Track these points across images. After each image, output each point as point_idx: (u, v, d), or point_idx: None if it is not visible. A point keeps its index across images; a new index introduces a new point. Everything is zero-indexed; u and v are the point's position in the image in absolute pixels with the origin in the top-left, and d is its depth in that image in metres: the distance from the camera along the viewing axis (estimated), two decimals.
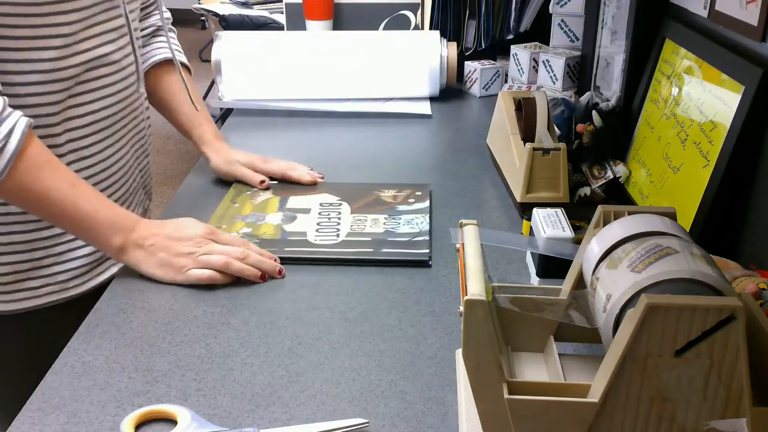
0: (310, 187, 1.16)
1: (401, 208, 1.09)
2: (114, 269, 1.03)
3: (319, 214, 1.07)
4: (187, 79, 1.17)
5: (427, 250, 0.97)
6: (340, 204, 1.10)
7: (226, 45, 1.51)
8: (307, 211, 1.08)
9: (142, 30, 1.15)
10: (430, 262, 0.95)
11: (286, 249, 0.97)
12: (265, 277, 0.91)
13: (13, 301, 0.96)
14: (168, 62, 1.17)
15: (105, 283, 0.99)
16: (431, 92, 1.56)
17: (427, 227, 1.03)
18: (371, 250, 0.97)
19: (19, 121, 0.83)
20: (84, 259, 1.00)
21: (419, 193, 1.13)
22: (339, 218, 1.05)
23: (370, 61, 1.53)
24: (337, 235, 1.01)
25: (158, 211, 3.06)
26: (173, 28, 1.23)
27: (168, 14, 1.21)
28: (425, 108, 1.53)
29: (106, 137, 1.00)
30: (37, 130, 0.90)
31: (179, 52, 1.20)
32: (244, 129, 1.44)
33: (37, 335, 0.98)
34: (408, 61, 1.53)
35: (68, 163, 0.95)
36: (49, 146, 0.90)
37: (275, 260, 0.94)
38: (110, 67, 0.99)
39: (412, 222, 1.04)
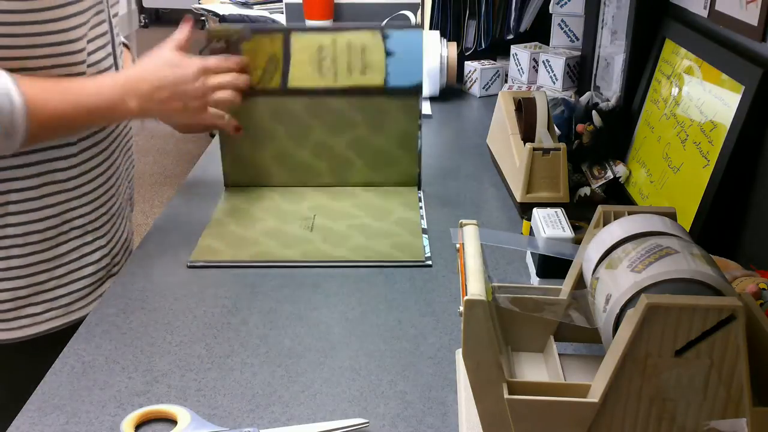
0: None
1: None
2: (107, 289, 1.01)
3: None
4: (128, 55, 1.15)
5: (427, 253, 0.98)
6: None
7: None
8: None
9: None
10: (430, 262, 0.96)
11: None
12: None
13: (13, 329, 0.93)
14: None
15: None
16: (431, 92, 1.56)
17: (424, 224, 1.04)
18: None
19: (4, 80, 0.81)
20: (87, 279, 0.98)
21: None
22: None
23: None
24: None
25: (158, 210, 3.06)
26: None
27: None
28: (425, 108, 1.53)
29: (103, 150, 0.99)
30: None
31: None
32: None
33: (40, 363, 0.93)
34: None
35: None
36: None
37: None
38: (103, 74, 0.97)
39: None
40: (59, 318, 0.96)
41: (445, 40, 1.55)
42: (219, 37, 1.05)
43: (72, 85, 0.88)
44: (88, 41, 0.93)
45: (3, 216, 0.89)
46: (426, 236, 1.01)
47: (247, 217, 1.07)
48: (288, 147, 1.12)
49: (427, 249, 0.98)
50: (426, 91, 1.56)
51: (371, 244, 0.99)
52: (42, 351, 0.92)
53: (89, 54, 0.93)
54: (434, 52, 1.53)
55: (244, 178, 1.15)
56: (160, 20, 6.58)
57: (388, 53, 1.08)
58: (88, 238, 0.98)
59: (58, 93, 0.85)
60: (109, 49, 0.98)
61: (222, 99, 0.97)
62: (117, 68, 1.01)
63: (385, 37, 1.08)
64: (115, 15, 1.02)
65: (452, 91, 1.62)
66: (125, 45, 1.15)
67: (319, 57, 1.08)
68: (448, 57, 1.54)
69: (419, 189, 1.15)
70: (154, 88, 0.91)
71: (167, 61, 0.93)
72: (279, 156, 1.13)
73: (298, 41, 1.08)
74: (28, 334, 0.94)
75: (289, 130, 1.11)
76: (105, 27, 0.97)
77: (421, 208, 1.09)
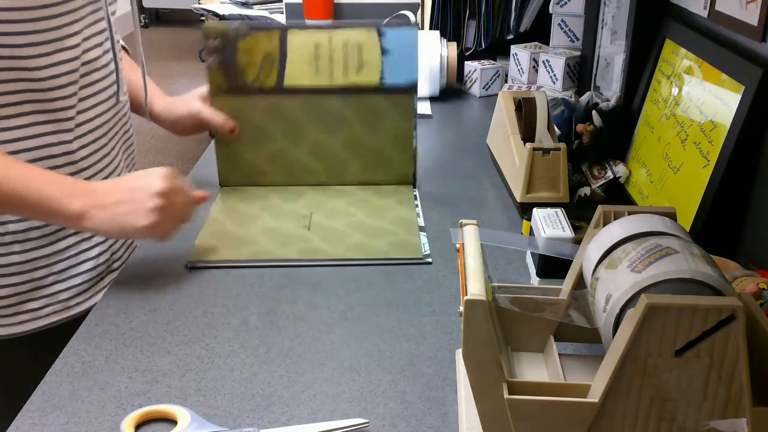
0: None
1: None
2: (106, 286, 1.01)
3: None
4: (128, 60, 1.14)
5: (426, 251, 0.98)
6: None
7: None
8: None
9: None
10: (430, 260, 0.96)
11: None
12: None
13: (13, 324, 0.94)
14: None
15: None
16: (431, 92, 1.56)
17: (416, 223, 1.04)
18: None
19: None
20: (86, 275, 0.98)
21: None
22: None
23: None
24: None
25: None
26: None
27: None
28: (425, 108, 1.53)
29: (101, 147, 0.99)
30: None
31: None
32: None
33: (39, 358, 0.89)
34: None
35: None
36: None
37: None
38: (100, 71, 0.97)
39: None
40: (58, 313, 0.96)
41: (445, 40, 1.55)
42: (215, 35, 1.05)
43: (27, 169, 0.84)
44: (84, 39, 0.92)
45: (3, 213, 0.89)
46: (424, 234, 1.02)
47: (243, 216, 1.07)
48: (283, 146, 1.13)
49: (426, 246, 0.98)
50: (426, 91, 1.56)
51: (369, 242, 0.99)
52: (41, 346, 0.94)
53: (84, 52, 0.93)
54: (434, 52, 1.53)
55: (239, 177, 1.15)
56: (160, 20, 6.58)
57: (383, 51, 1.09)
58: (87, 233, 0.97)
59: (6, 166, 0.82)
60: (107, 46, 0.98)
61: (170, 228, 0.88)
62: (117, 68, 1.01)
63: (380, 35, 1.08)
64: (113, 13, 1.02)
65: (452, 91, 1.62)
66: (123, 48, 1.15)
67: (315, 55, 1.08)
68: (448, 57, 1.54)
69: (414, 187, 1.15)
70: (106, 192, 0.85)
71: (134, 175, 0.88)
72: (274, 155, 1.13)
73: (294, 39, 1.08)
74: (28, 329, 0.94)
75: (285, 130, 1.12)
76: (103, 25, 0.97)
77: (417, 206, 1.10)
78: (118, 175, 1.04)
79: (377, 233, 1.02)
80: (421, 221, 1.05)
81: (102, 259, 1.01)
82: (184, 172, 1.06)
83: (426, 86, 1.55)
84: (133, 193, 0.84)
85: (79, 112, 0.94)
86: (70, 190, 0.84)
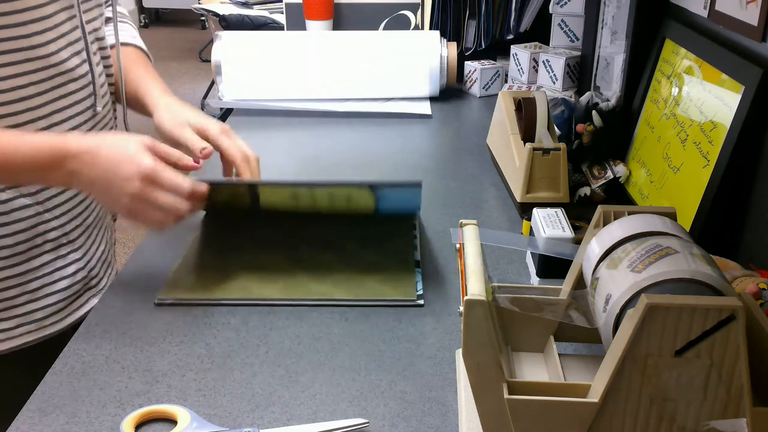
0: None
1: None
2: (93, 301, 0.97)
3: None
4: (141, 58, 1.07)
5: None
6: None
7: (226, 45, 1.51)
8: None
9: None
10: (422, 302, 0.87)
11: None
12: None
13: None
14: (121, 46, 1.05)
15: (81, 320, 0.92)
16: (431, 92, 1.56)
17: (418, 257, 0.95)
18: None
19: None
20: (61, 293, 0.94)
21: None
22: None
23: (370, 62, 1.53)
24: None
25: None
26: (126, 18, 1.15)
27: (122, 9, 1.12)
28: (425, 108, 1.53)
29: None
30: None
31: (133, 37, 1.11)
32: (244, 129, 1.44)
33: (11, 380, 0.88)
34: (408, 62, 1.53)
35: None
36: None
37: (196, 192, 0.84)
38: (77, 82, 0.92)
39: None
40: (32, 333, 0.92)
41: (445, 40, 1.55)
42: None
43: (11, 137, 0.81)
44: (61, 49, 0.88)
45: None
46: (419, 270, 0.93)
47: (224, 246, 0.97)
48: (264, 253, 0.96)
49: (419, 285, 0.89)
50: (426, 91, 1.56)
51: (359, 279, 0.90)
52: (14, 366, 0.90)
53: (62, 62, 0.89)
54: (434, 52, 1.53)
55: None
56: (160, 20, 6.58)
57: (378, 203, 0.96)
58: (62, 251, 0.94)
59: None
60: (83, 56, 0.93)
61: (152, 218, 0.82)
62: (93, 77, 0.95)
63: (376, 195, 0.94)
64: (91, 21, 0.95)
65: (452, 91, 1.62)
66: (132, 45, 1.10)
67: (293, 202, 0.97)
68: (448, 57, 1.54)
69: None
70: (87, 164, 0.80)
71: (122, 146, 0.81)
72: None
73: (266, 193, 0.96)
74: (0, 349, 0.90)
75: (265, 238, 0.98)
76: (78, 34, 0.92)
77: (415, 237, 1.00)
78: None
79: (369, 268, 0.92)
80: (417, 254, 0.96)
81: (79, 276, 0.97)
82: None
83: (426, 86, 1.55)
84: (108, 174, 0.80)
85: (53, 125, 0.89)
86: (53, 160, 0.80)
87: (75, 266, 0.96)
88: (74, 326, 0.94)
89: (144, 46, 1.13)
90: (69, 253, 0.95)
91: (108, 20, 1.06)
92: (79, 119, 0.94)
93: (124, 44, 1.08)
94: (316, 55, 1.52)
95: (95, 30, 0.97)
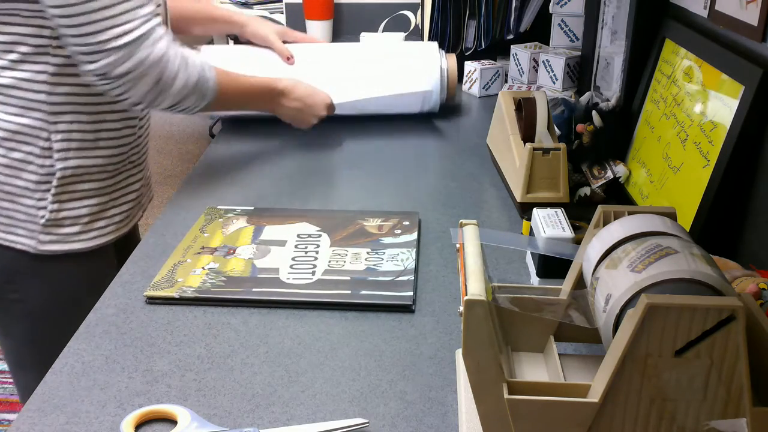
0: (288, 215, 1.06)
1: (386, 240, 0.99)
2: (139, 214, 1.23)
3: (296, 247, 0.97)
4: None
5: (411, 293, 0.87)
6: (320, 235, 1.00)
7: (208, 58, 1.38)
8: (282, 243, 0.98)
9: None
10: (414, 307, 0.87)
11: (254, 289, 0.88)
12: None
13: (86, 239, 1.10)
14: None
15: (135, 228, 1.27)
16: (431, 108, 1.45)
17: (412, 264, 0.93)
18: (349, 292, 0.87)
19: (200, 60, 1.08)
20: (129, 204, 1.17)
21: (407, 223, 1.03)
22: (317, 252, 0.96)
23: (364, 82, 1.41)
24: (313, 273, 0.91)
25: (157, 211, 3.06)
26: None
27: None
28: (425, 84, 1.40)
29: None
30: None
31: None
32: (237, 137, 1.43)
33: (98, 271, 1.10)
34: (404, 84, 1.41)
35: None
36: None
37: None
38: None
39: (397, 258, 0.94)
40: (113, 233, 1.14)
41: (443, 51, 1.46)
42: None
43: (239, 76, 1.20)
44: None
45: (94, 149, 1.07)
46: (413, 278, 0.91)
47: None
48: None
49: (411, 291, 0.88)
50: (424, 106, 1.45)
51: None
52: (107, 257, 1.15)
53: None
54: (433, 65, 1.42)
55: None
56: None
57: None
58: (134, 171, 1.17)
59: (232, 77, 1.17)
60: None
61: (311, 124, 1.33)
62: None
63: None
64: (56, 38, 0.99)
65: None
66: None
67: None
68: (448, 70, 1.44)
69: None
70: (287, 97, 1.27)
71: (310, 86, 1.30)
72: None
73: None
74: (96, 243, 1.11)
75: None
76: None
77: (414, 247, 0.98)
78: (148, 118, 1.21)
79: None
80: (413, 258, 0.95)
81: (141, 191, 1.21)
82: (184, 172, 1.06)
83: (424, 105, 1.44)
84: (305, 107, 1.30)
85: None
86: (267, 92, 1.26)
87: (139, 183, 1.20)
88: (132, 231, 1.25)
89: None
90: (137, 172, 1.19)
91: None
92: None
93: None
94: (303, 75, 1.35)
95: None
